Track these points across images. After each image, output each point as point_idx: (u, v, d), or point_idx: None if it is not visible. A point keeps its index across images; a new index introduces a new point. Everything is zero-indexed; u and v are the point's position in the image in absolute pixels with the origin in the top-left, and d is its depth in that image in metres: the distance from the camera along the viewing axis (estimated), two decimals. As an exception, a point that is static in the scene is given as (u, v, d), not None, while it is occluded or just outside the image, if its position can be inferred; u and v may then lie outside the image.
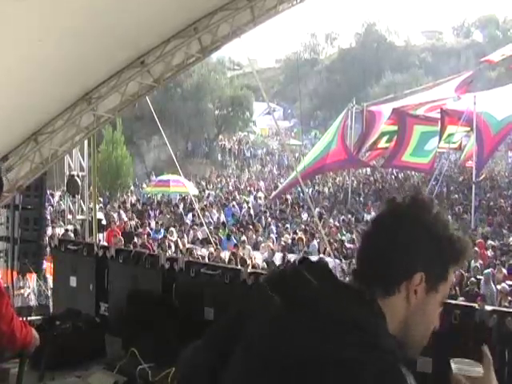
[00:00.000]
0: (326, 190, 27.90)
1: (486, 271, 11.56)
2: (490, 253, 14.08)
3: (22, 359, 3.08)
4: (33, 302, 9.59)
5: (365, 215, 21.47)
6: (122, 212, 21.61)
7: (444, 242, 1.28)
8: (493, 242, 15.34)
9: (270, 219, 20.25)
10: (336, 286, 1.25)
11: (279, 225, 19.18)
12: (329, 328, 1.14)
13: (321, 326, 1.14)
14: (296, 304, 1.18)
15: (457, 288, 11.17)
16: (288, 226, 18.84)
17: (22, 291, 9.79)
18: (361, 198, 25.13)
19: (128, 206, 24.06)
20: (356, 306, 1.19)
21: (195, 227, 18.03)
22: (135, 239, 15.66)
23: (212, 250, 13.77)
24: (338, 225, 18.48)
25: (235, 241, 15.52)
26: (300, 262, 1.31)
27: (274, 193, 23.79)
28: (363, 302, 1.21)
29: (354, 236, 16.90)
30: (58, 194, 22.12)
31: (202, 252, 14.41)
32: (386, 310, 1.24)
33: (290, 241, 15.84)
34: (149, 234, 16.73)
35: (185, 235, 16.69)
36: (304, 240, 15.19)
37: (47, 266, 9.77)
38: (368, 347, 1.12)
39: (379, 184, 28.46)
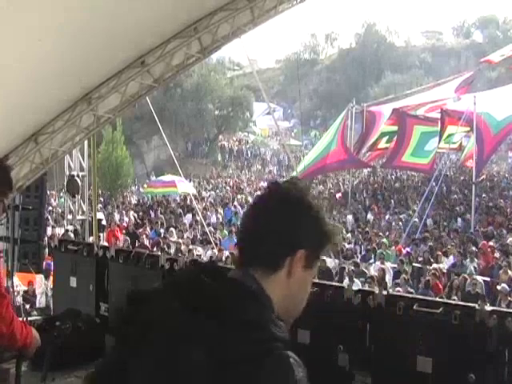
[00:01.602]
0: (326, 190, 27.90)
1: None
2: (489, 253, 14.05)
3: (19, 359, 3.08)
4: (42, 303, 9.60)
5: (365, 215, 21.47)
6: (122, 212, 21.62)
7: (321, 222, 1.36)
8: (492, 243, 15.32)
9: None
10: (227, 285, 1.29)
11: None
12: (223, 329, 1.17)
13: (216, 328, 1.17)
14: (192, 308, 1.21)
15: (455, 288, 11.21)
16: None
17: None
18: (361, 198, 25.13)
19: (128, 206, 24.05)
20: (247, 303, 1.23)
21: (195, 227, 18.01)
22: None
23: (215, 250, 13.74)
24: (337, 225, 18.46)
25: (235, 241, 15.51)
26: (192, 265, 1.37)
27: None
28: (252, 296, 1.26)
29: (354, 236, 16.92)
30: (58, 194, 22.10)
31: (201, 252, 14.40)
32: (270, 288, 1.30)
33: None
34: (147, 235, 16.72)
35: (185, 235, 16.69)
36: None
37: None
38: (260, 342, 1.16)
39: (379, 184, 28.46)
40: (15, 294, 9.10)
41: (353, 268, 12.01)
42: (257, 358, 1.15)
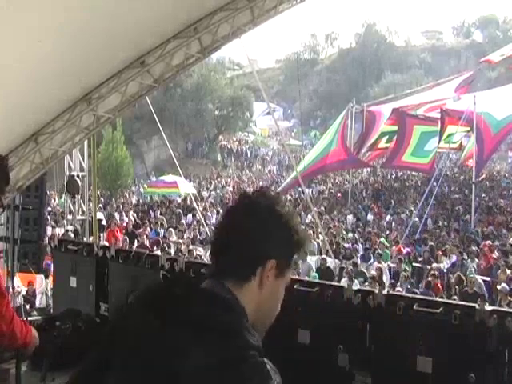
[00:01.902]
0: (326, 190, 27.90)
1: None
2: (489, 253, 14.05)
3: (18, 359, 3.08)
4: (42, 303, 9.59)
5: (365, 215, 21.47)
6: (122, 212, 21.61)
7: (292, 231, 1.37)
8: (492, 243, 15.32)
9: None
10: (200, 296, 1.31)
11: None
12: (198, 338, 1.18)
13: (191, 338, 1.18)
14: (166, 320, 1.22)
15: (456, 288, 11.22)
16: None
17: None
18: (361, 198, 25.14)
19: (128, 206, 24.04)
20: (221, 312, 1.25)
21: (195, 227, 18.01)
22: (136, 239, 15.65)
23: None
24: (337, 225, 18.47)
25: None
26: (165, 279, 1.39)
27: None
28: (226, 306, 1.28)
29: (354, 236, 16.92)
30: (58, 194, 22.10)
31: (201, 252, 14.40)
32: (243, 298, 1.32)
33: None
34: (147, 235, 16.72)
35: (185, 235, 16.69)
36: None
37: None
38: (236, 349, 1.18)
39: (379, 184, 28.46)
40: (15, 294, 9.11)
41: (351, 268, 12.02)
42: (233, 364, 1.16)
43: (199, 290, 1.33)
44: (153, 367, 1.18)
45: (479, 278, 11.40)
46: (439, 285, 11.15)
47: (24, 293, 9.96)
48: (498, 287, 10.61)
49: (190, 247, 14.66)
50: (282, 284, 1.39)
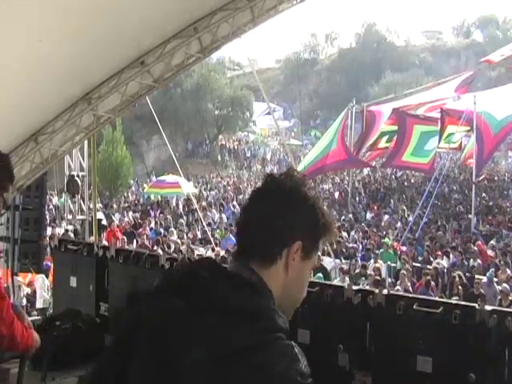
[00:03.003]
0: (326, 190, 27.90)
1: (488, 272, 11.54)
2: (490, 252, 14.06)
3: (22, 360, 3.07)
4: (43, 303, 9.58)
5: (364, 215, 21.47)
6: (122, 212, 21.61)
7: (318, 213, 1.37)
8: (493, 243, 15.34)
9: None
10: (226, 278, 1.29)
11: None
12: (225, 321, 1.18)
13: (217, 321, 1.18)
14: (192, 304, 1.22)
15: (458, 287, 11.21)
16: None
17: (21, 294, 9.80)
18: (360, 198, 25.14)
19: (128, 206, 24.04)
20: (248, 294, 1.24)
21: (195, 227, 18.01)
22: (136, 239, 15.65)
23: (222, 252, 13.65)
24: (337, 225, 18.48)
25: (234, 240, 15.50)
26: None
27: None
28: (252, 287, 1.27)
29: (354, 236, 16.92)
30: (58, 194, 22.09)
31: (202, 252, 14.39)
32: (269, 279, 1.31)
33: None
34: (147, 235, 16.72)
35: (185, 235, 16.69)
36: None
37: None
38: (264, 332, 1.18)
39: (379, 184, 28.46)
40: (17, 294, 9.12)
41: (358, 269, 12.00)
42: (261, 347, 1.16)
43: (225, 273, 1.32)
44: (178, 352, 1.17)
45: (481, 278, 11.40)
46: (432, 283, 11.12)
47: (26, 293, 9.98)
48: (499, 287, 10.61)
49: (191, 247, 14.66)
50: (308, 267, 1.38)
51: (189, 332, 1.18)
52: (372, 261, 13.40)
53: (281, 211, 1.33)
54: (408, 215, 19.45)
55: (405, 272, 11.57)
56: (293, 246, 1.32)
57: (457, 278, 11.22)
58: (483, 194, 23.05)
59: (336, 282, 10.44)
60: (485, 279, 11.25)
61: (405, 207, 20.93)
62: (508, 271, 11.64)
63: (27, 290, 10.13)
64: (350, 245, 15.18)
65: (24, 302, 9.70)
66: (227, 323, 1.17)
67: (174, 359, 1.17)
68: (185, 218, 20.50)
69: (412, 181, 28.61)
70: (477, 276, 11.16)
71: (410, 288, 10.81)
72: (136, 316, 1.28)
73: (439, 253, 13.59)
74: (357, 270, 12.19)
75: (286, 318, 1.27)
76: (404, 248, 14.63)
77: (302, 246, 1.33)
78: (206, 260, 1.42)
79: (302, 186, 1.38)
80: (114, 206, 23.99)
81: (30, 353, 2.93)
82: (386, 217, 20.60)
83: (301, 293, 1.42)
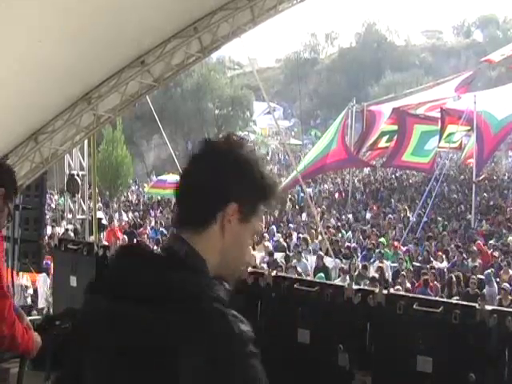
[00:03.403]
0: (326, 189, 27.90)
1: (486, 272, 11.55)
2: (491, 252, 14.05)
3: (22, 360, 3.07)
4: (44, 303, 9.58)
5: (364, 214, 21.46)
6: (122, 212, 21.60)
7: (255, 174, 1.31)
8: (493, 242, 15.33)
9: (270, 218, 20.24)
10: (151, 259, 1.27)
11: (281, 224, 19.17)
12: (153, 301, 1.16)
13: (147, 312, 1.16)
14: (119, 295, 1.20)
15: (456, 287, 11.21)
16: (291, 225, 18.85)
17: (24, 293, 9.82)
18: (361, 198, 25.13)
19: (128, 205, 24.04)
20: (174, 271, 1.21)
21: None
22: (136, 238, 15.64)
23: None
24: (338, 224, 18.48)
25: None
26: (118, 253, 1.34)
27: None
28: (181, 264, 1.24)
29: (354, 236, 16.91)
30: (58, 193, 22.10)
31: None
32: (203, 247, 1.28)
33: (287, 241, 15.82)
34: (147, 235, 16.73)
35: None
36: (308, 240, 15.15)
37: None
38: (194, 304, 1.15)
39: (379, 183, 28.46)
40: (16, 295, 9.11)
41: (360, 270, 11.99)
42: (196, 319, 1.13)
43: (150, 256, 1.29)
44: (121, 352, 1.16)
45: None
46: (432, 283, 11.11)
47: (31, 292, 9.99)
48: (499, 286, 10.60)
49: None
50: (247, 231, 1.33)
51: (123, 330, 1.17)
52: (372, 260, 13.40)
53: (213, 173, 1.29)
54: (408, 216, 19.44)
55: (404, 273, 11.57)
56: (228, 208, 1.28)
57: (454, 278, 11.22)
58: (483, 194, 23.04)
59: (337, 281, 10.42)
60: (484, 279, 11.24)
61: (406, 207, 20.91)
62: (510, 271, 11.62)
63: (30, 291, 10.15)
64: (350, 245, 15.17)
65: (29, 301, 9.72)
66: (159, 310, 1.15)
67: (119, 358, 1.17)
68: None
69: (411, 181, 28.60)
70: (473, 276, 11.13)
71: (410, 288, 10.80)
72: (76, 327, 1.34)
73: (440, 253, 13.57)
74: (358, 271, 12.17)
75: (221, 287, 1.23)
76: (403, 248, 14.61)
77: (238, 208, 1.29)
78: (131, 248, 1.37)
79: (239, 147, 1.33)
80: (114, 205, 23.99)
81: (31, 355, 2.93)
82: (388, 216, 20.59)
83: (241, 256, 1.37)
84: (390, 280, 11.67)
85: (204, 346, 1.11)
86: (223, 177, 1.29)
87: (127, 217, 20.85)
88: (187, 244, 1.27)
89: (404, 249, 14.48)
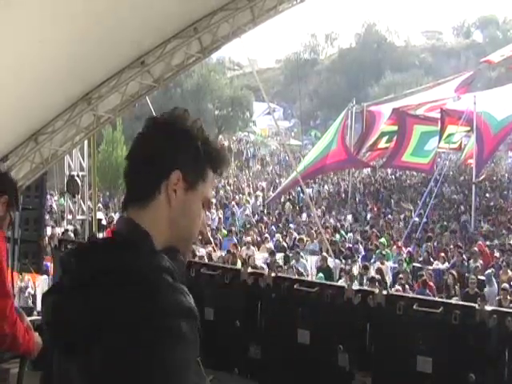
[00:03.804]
0: (326, 190, 27.90)
1: (486, 272, 11.55)
2: (490, 253, 14.05)
3: (22, 360, 3.07)
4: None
5: (364, 215, 21.46)
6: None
7: (197, 141, 1.30)
8: (492, 242, 15.33)
9: (270, 219, 20.25)
10: (91, 248, 1.27)
11: (280, 225, 19.18)
12: (94, 285, 1.15)
13: (90, 285, 1.15)
14: (74, 279, 1.20)
15: (456, 287, 11.21)
16: (292, 225, 18.87)
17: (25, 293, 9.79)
18: (361, 198, 25.13)
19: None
20: (118, 253, 1.20)
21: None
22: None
23: (223, 253, 13.58)
24: (338, 225, 18.48)
25: (236, 240, 15.52)
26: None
27: (273, 193, 23.78)
28: (119, 244, 1.23)
29: (354, 236, 16.90)
30: (58, 194, 22.10)
31: (201, 252, 14.38)
32: (149, 219, 1.26)
33: (289, 241, 15.84)
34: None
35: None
36: (304, 240, 15.18)
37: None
38: (138, 280, 1.14)
39: (379, 184, 28.46)
40: (17, 295, 9.10)
41: (361, 271, 11.98)
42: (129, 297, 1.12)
43: (86, 249, 1.28)
44: (68, 342, 1.15)
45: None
46: (430, 283, 11.10)
47: (32, 293, 9.96)
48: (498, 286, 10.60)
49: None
50: (195, 198, 1.32)
51: (76, 325, 1.15)
52: (373, 261, 13.39)
53: (153, 144, 1.28)
54: (409, 216, 19.44)
55: (402, 275, 11.56)
56: (171, 177, 1.27)
57: (450, 279, 11.21)
58: (483, 194, 23.04)
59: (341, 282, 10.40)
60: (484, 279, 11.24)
61: (411, 207, 20.90)
62: (510, 272, 11.62)
63: (31, 292, 10.13)
64: (352, 245, 15.17)
65: (29, 302, 9.70)
66: (104, 294, 1.14)
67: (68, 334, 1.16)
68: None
69: (411, 181, 28.61)
70: (472, 276, 11.13)
71: (408, 289, 10.78)
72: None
73: (442, 254, 13.55)
74: (357, 271, 12.17)
75: (165, 258, 1.21)
76: (409, 249, 14.60)
77: (182, 176, 1.27)
78: (78, 245, 1.38)
79: (180, 118, 1.32)
80: (115, 205, 23.98)
81: (32, 355, 2.93)
82: (387, 217, 20.59)
83: (192, 226, 1.34)
84: (390, 281, 11.67)
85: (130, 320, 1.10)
86: (163, 147, 1.28)
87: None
88: (129, 222, 1.27)
89: (405, 250, 14.46)
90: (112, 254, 1.20)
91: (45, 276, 9.93)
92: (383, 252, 13.61)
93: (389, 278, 12.03)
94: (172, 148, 1.28)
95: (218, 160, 1.34)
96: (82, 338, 1.13)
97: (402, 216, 19.99)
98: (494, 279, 11.15)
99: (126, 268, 1.17)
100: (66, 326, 1.16)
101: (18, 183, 7.89)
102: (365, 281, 11.31)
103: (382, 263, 12.62)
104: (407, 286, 10.93)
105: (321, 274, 11.73)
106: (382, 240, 15.26)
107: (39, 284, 10.08)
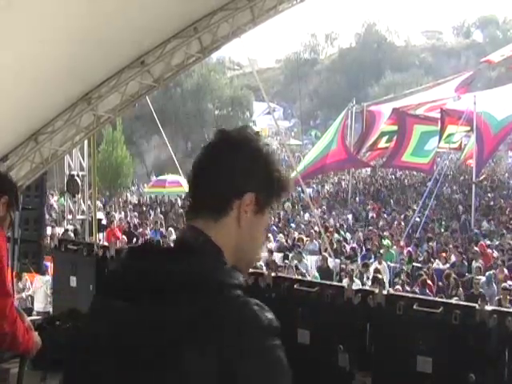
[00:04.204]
0: (326, 190, 27.91)
1: (487, 273, 11.54)
2: (491, 252, 14.04)
3: (22, 360, 3.07)
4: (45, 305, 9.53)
5: (364, 215, 21.47)
6: (122, 212, 21.60)
7: (271, 167, 1.32)
8: (492, 242, 15.33)
9: (271, 219, 20.24)
10: (167, 254, 1.26)
11: (280, 225, 19.18)
12: (173, 297, 1.14)
13: (166, 300, 1.14)
14: (138, 297, 1.17)
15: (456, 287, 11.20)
16: (292, 225, 18.86)
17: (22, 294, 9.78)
18: (361, 198, 25.14)
19: (128, 205, 24.04)
20: (193, 263, 1.19)
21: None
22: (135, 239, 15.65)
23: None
24: (338, 225, 18.48)
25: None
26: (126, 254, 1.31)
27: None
28: (199, 254, 1.22)
29: (354, 236, 16.91)
30: (58, 194, 22.10)
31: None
32: (218, 235, 1.26)
33: (288, 241, 15.83)
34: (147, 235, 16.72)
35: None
36: (304, 240, 15.18)
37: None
38: (218, 295, 1.14)
39: (379, 184, 28.46)
40: (24, 295, 9.11)
41: (361, 269, 11.98)
42: (219, 310, 1.11)
43: (155, 254, 1.25)
44: (134, 352, 1.13)
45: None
46: (430, 283, 11.09)
47: (30, 293, 9.96)
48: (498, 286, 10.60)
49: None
50: (262, 222, 1.33)
51: (144, 335, 1.13)
52: (371, 261, 13.39)
53: (231, 163, 1.29)
54: (409, 216, 19.44)
55: (402, 275, 11.56)
56: (245, 197, 1.28)
57: (451, 279, 11.21)
58: (484, 194, 23.04)
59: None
60: (483, 279, 11.23)
61: (413, 207, 20.89)
62: (505, 271, 11.61)
63: (31, 292, 10.12)
64: (355, 246, 15.17)
65: (28, 303, 9.69)
66: (173, 308, 1.13)
67: (131, 355, 1.13)
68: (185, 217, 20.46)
69: (410, 181, 28.61)
70: (476, 276, 11.12)
71: (407, 289, 10.77)
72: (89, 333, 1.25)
73: (444, 254, 13.54)
74: (356, 271, 12.17)
75: (240, 275, 1.21)
76: (409, 248, 14.59)
77: (254, 198, 1.29)
78: (142, 246, 1.37)
79: (254, 139, 1.33)
80: (114, 205, 23.99)
81: (31, 355, 2.93)
82: (387, 217, 20.59)
83: (256, 249, 1.36)
84: (388, 281, 11.66)
85: (227, 336, 1.09)
86: (242, 166, 1.29)
87: (127, 217, 20.84)
88: (201, 232, 1.26)
89: (405, 249, 14.46)
90: (191, 264, 1.19)
91: (46, 277, 9.92)
92: (387, 252, 13.60)
93: (386, 278, 12.03)
94: (249, 169, 1.29)
95: (285, 188, 1.36)
96: (163, 352, 1.11)
97: (401, 216, 19.99)
98: (493, 280, 11.15)
99: (212, 281, 1.16)
100: (140, 339, 1.13)
101: (18, 183, 7.91)
102: (365, 279, 11.33)
103: (380, 263, 12.63)
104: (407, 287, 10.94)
105: (316, 274, 11.73)
106: (386, 242, 15.21)
107: (39, 284, 10.07)
